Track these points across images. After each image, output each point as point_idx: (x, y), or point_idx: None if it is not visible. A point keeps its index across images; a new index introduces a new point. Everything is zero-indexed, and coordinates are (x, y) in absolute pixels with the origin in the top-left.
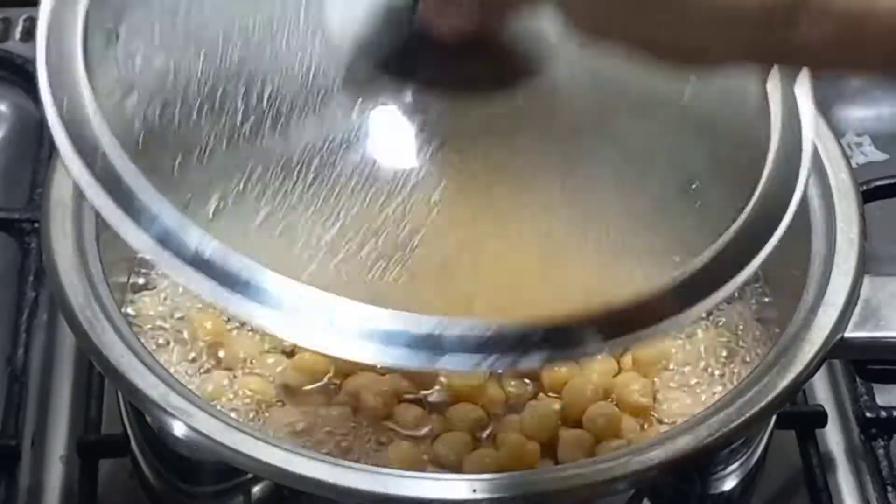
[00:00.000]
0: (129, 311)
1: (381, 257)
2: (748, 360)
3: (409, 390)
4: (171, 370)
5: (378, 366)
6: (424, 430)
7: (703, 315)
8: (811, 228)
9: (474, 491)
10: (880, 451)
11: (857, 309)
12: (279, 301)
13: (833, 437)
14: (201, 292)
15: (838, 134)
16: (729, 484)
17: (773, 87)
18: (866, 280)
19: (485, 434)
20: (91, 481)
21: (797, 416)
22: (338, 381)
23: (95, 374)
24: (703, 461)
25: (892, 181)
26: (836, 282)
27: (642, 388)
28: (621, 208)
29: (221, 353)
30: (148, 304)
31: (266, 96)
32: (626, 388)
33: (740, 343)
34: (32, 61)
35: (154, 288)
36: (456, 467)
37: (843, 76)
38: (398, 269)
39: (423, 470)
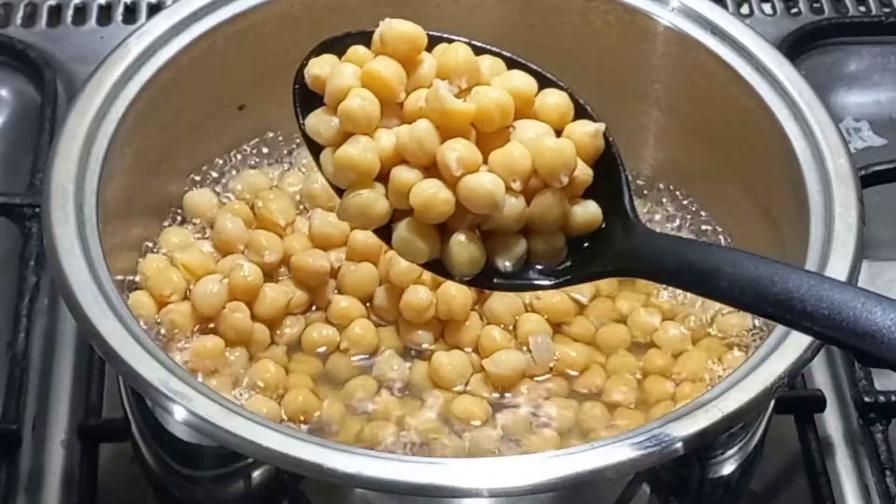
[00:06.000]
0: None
1: None
2: (746, 345)
3: None
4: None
5: None
6: None
7: None
8: (810, 213)
9: (477, 476)
10: (879, 436)
11: None
12: None
13: (832, 422)
14: None
15: (837, 119)
16: (728, 468)
17: None
18: (865, 265)
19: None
20: (92, 466)
21: (796, 400)
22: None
23: (96, 358)
24: (702, 446)
25: (890, 166)
26: (835, 267)
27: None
28: None
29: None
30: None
31: None
32: None
33: (738, 328)
34: (33, 47)
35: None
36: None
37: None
38: None
39: None
